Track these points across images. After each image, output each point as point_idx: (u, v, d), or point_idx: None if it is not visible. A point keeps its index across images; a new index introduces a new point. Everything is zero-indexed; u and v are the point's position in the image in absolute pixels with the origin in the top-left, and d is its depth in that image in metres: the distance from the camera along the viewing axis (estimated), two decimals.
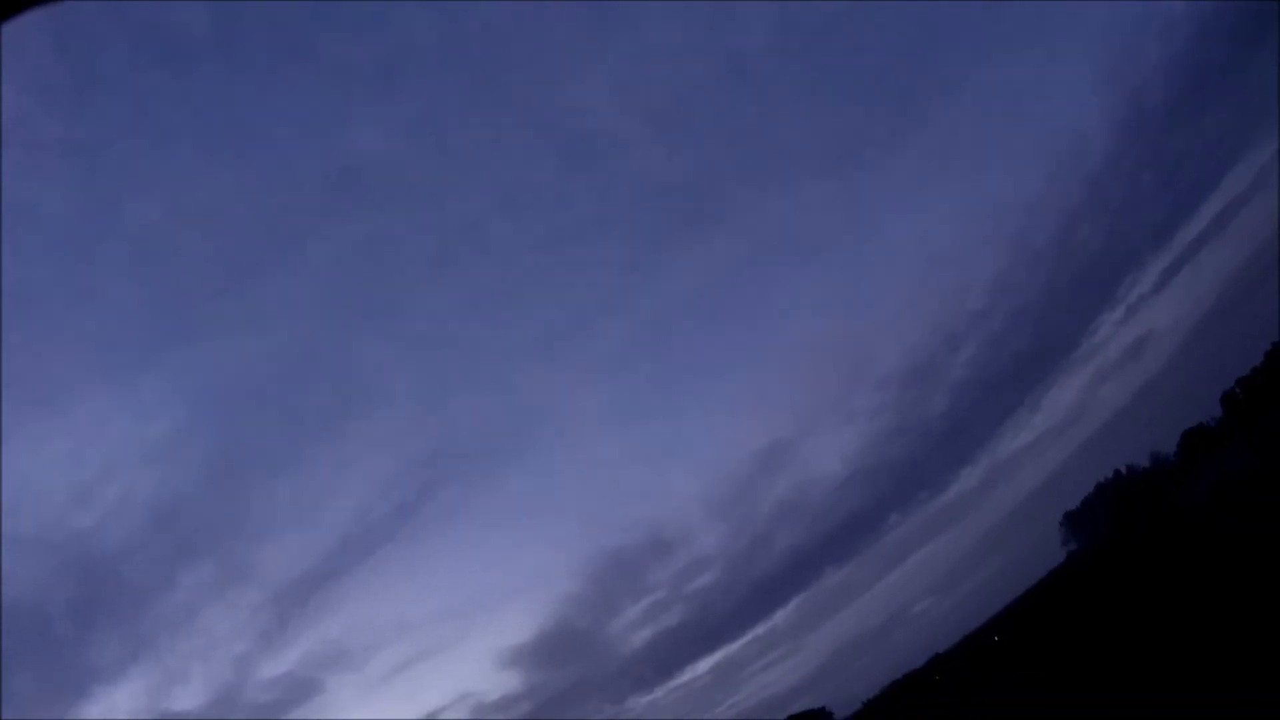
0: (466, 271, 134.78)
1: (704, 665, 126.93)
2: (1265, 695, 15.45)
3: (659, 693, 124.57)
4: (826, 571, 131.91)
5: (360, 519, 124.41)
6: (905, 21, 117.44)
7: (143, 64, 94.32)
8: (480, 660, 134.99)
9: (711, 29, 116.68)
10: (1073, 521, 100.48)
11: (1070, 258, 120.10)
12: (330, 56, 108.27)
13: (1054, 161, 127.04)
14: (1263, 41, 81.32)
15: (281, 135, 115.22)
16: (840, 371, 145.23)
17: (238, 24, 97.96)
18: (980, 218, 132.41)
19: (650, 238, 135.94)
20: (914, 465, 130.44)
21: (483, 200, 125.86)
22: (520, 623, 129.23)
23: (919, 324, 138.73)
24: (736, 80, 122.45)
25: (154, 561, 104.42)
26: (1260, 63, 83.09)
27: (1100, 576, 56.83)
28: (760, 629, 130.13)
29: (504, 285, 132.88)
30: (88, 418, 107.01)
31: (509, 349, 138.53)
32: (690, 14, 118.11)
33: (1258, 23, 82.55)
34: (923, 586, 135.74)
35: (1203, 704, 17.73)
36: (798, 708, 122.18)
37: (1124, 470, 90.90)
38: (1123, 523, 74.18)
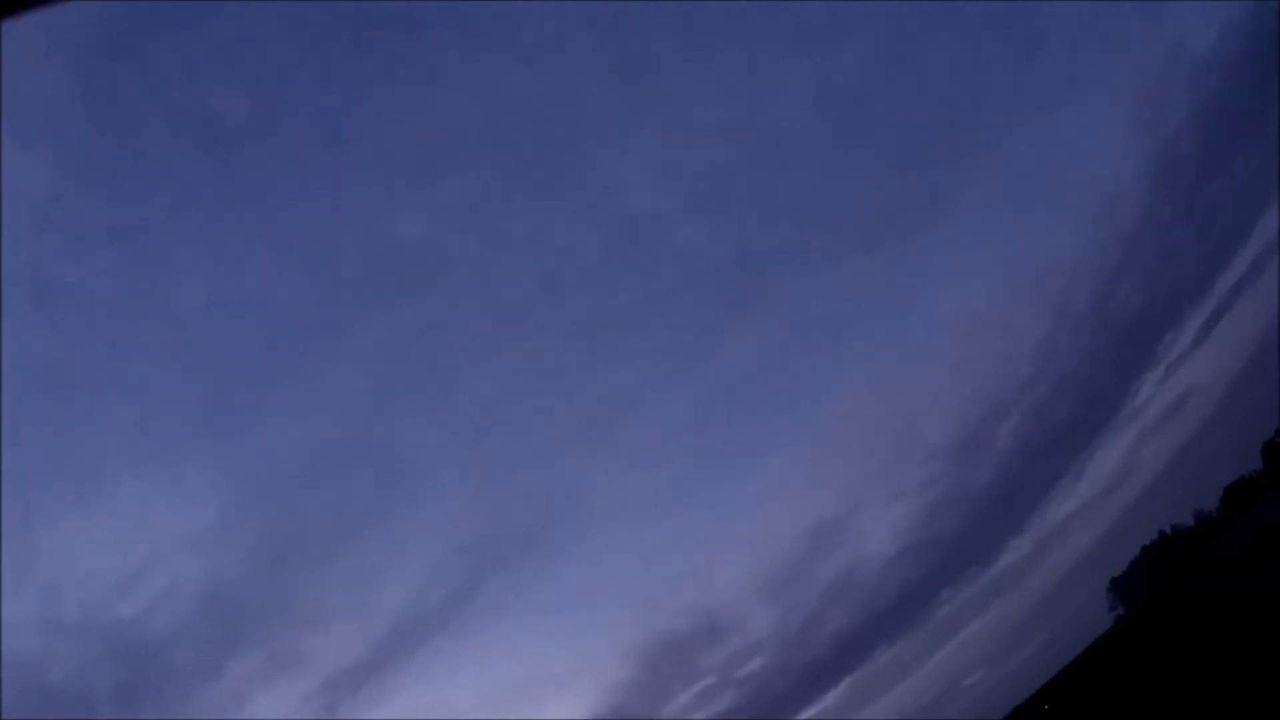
0: (511, 355, 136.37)
1: None
2: None
3: None
4: (878, 650, 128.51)
5: (410, 607, 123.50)
6: (939, 84, 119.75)
7: (183, 149, 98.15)
8: None
9: (749, 104, 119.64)
10: (1118, 587, 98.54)
11: (1110, 319, 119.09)
12: (370, 141, 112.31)
13: (1090, 219, 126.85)
14: None
15: (324, 220, 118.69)
16: (887, 447, 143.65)
17: (277, 109, 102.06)
18: (1021, 282, 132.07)
19: (694, 318, 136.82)
20: (962, 539, 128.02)
21: (526, 283, 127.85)
22: (572, 710, 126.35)
23: (964, 394, 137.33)
24: (775, 155, 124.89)
25: (201, 649, 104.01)
26: None
27: (1142, 638, 55.49)
28: (812, 711, 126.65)
29: (550, 369, 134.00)
30: (132, 505, 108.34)
31: (556, 433, 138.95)
32: (728, 90, 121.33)
33: None
34: (973, 660, 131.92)
35: None
36: None
37: (1168, 530, 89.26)
38: (1163, 583, 72.41)
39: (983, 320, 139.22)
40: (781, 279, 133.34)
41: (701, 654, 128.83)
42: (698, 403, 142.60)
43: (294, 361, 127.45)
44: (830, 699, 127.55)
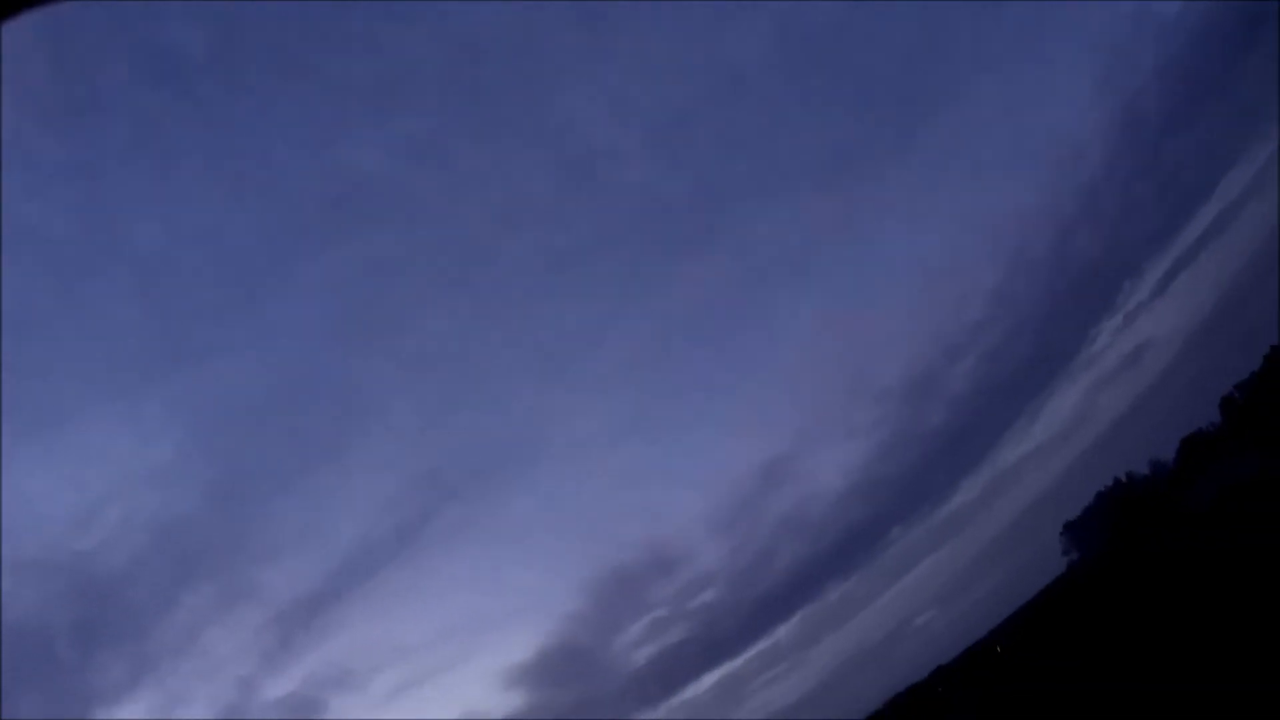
0: (467, 290, 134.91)
1: (707, 682, 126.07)
2: (1266, 700, 15.25)
3: (662, 710, 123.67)
4: (829, 586, 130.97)
5: (362, 539, 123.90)
6: (901, 31, 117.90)
7: (141, 84, 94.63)
8: (483, 680, 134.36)
9: (708, 42, 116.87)
10: (1073, 531, 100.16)
11: (1068, 267, 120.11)
12: (328, 75, 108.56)
13: (1050, 170, 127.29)
14: (1259, 43, 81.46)
15: (280, 154, 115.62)
16: (840, 385, 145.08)
17: (235, 43, 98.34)
18: (978, 228, 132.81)
19: (649, 255, 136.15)
20: (915, 478, 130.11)
21: (482, 219, 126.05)
22: (523, 641, 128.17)
23: (918, 336, 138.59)
24: (733, 94, 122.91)
25: (157, 583, 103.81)
26: (1256, 65, 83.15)
27: (1101, 586, 56.63)
28: (763, 644, 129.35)
29: (503, 304, 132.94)
30: (89, 440, 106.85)
31: (508, 368, 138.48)
32: (686, 28, 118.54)
33: (1254, 24, 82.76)
34: (925, 599, 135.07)
35: (1206, 710, 17.53)
36: None
37: (1124, 478, 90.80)
38: (1122, 531, 73.99)
39: (939, 264, 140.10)
40: (738, 217, 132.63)
41: (653, 586, 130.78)
42: (652, 338, 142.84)
43: (250, 296, 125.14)
44: (782, 632, 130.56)
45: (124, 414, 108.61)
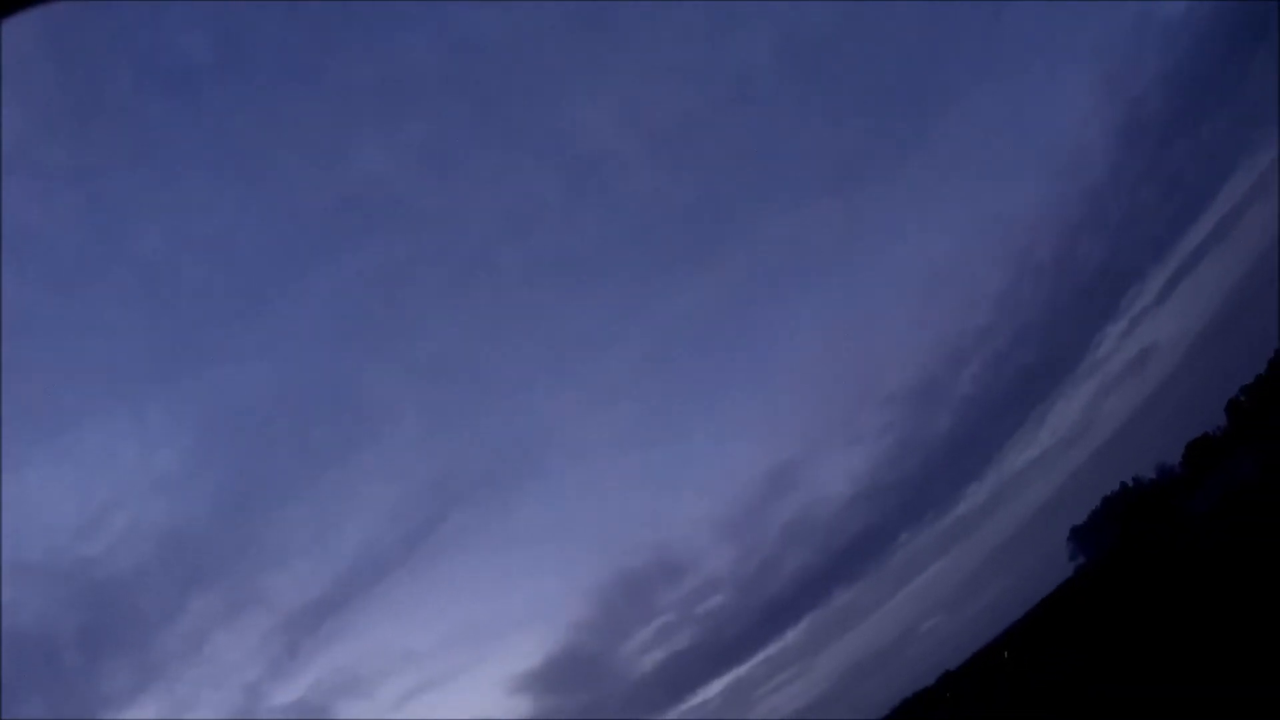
0: (472, 297, 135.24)
1: (715, 687, 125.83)
2: (1272, 702, 15.39)
3: (670, 715, 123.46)
4: (836, 591, 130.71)
5: (370, 546, 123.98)
6: (906, 36, 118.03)
7: (146, 90, 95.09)
8: (491, 686, 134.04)
9: (713, 49, 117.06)
10: (1080, 536, 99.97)
11: (1073, 272, 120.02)
12: (333, 80, 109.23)
13: (1055, 174, 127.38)
14: (1261, 46, 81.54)
15: (286, 162, 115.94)
16: (846, 391, 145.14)
17: (240, 49, 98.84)
18: (983, 233, 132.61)
19: (655, 261, 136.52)
20: (921, 483, 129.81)
21: (488, 225, 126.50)
22: (530, 648, 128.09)
23: (924, 342, 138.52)
24: (738, 100, 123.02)
25: (163, 589, 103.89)
26: (1258, 68, 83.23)
27: (1108, 590, 56.62)
28: (771, 650, 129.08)
29: (510, 311, 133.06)
30: (94, 446, 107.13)
31: (516, 374, 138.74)
32: (691, 34, 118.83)
33: (1256, 27, 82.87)
34: (932, 604, 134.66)
35: (1212, 712, 17.65)
36: None
37: (1130, 483, 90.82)
38: (1129, 536, 73.97)
39: (944, 269, 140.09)
40: (743, 223, 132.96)
41: (660, 592, 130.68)
42: (658, 344, 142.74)
43: (256, 303, 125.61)
44: (790, 637, 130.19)
45: (129, 420, 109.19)
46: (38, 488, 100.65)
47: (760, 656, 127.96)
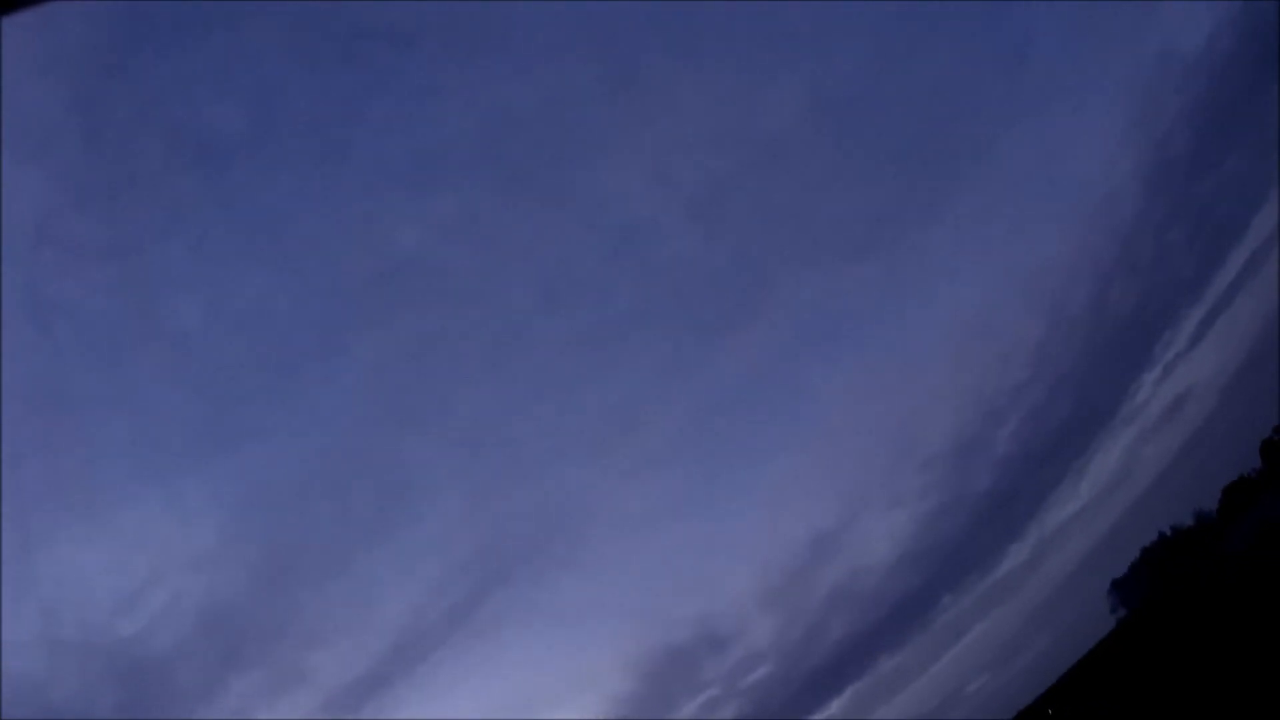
0: (510, 368, 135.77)
1: None
2: None
3: None
4: (880, 657, 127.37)
5: (412, 622, 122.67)
6: (932, 91, 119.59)
7: (177, 164, 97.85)
8: None
9: (742, 112, 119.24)
10: (1120, 588, 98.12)
11: (1106, 320, 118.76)
12: (365, 154, 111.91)
13: (1084, 221, 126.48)
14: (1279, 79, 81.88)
15: (319, 234, 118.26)
16: (885, 454, 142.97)
17: (271, 123, 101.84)
18: (1016, 285, 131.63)
19: (691, 328, 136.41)
20: (963, 545, 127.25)
21: (524, 296, 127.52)
22: None
23: (961, 400, 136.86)
24: (768, 162, 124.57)
25: (203, 667, 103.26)
26: (1277, 101, 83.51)
27: (1144, 639, 55.49)
28: (817, 719, 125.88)
29: (548, 382, 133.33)
30: (131, 523, 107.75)
31: (555, 446, 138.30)
32: (720, 97, 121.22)
33: (1275, 61, 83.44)
34: (976, 665, 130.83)
35: None
36: None
37: (1168, 532, 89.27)
38: (1165, 583, 72.48)
39: (979, 324, 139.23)
40: (777, 286, 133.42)
41: (705, 664, 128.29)
42: (696, 412, 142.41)
43: (292, 377, 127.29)
44: (834, 707, 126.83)
45: (166, 496, 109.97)
46: (73, 564, 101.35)
47: None
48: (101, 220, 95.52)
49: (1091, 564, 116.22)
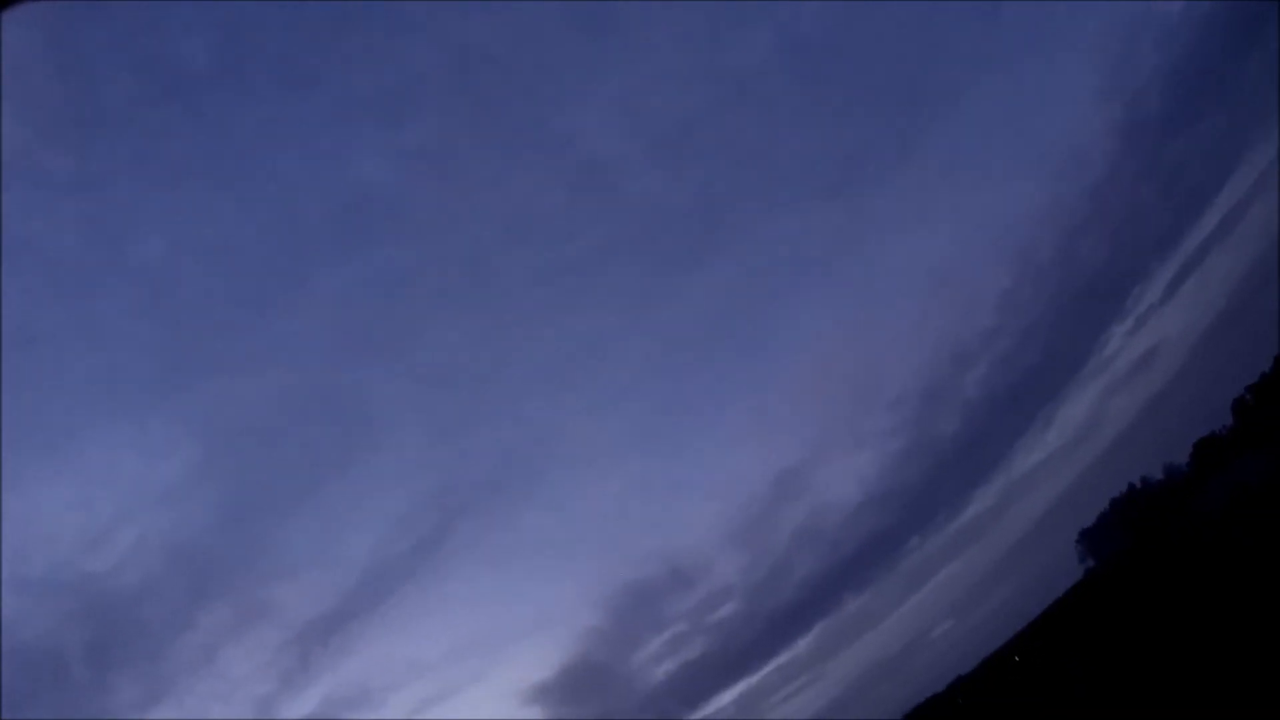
0: (474, 303, 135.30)
1: (728, 697, 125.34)
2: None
3: None
4: (846, 598, 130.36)
5: (377, 557, 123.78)
6: (906, 35, 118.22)
7: (145, 98, 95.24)
8: (502, 697, 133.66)
9: (710, 51, 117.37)
10: (1089, 538, 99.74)
11: (1077, 271, 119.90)
12: (332, 86, 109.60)
13: (1056, 173, 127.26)
14: (1260, 42, 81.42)
15: (286, 167, 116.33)
16: (852, 394, 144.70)
17: (240, 56, 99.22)
18: (985, 233, 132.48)
19: (656, 265, 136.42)
20: (929, 487, 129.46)
21: (489, 231, 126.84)
22: (541, 658, 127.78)
23: (929, 344, 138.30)
24: (737, 102, 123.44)
25: (171, 603, 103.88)
26: (1258, 64, 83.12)
27: (1117, 591, 56.37)
28: (783, 658, 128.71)
29: (512, 316, 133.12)
30: (97, 459, 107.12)
31: (519, 381, 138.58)
32: (689, 36, 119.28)
33: (1255, 23, 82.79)
34: (942, 609, 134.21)
35: (1222, 711, 17.58)
36: None
37: (1138, 484, 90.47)
38: (1137, 537, 73.66)
39: (947, 270, 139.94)
40: (743, 225, 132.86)
41: (671, 601, 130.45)
42: (660, 349, 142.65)
43: (258, 311, 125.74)
44: (801, 645, 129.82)
45: (132, 432, 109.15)
46: (41, 502, 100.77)
47: (772, 665, 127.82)
48: (70, 154, 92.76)
49: (1059, 513, 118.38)
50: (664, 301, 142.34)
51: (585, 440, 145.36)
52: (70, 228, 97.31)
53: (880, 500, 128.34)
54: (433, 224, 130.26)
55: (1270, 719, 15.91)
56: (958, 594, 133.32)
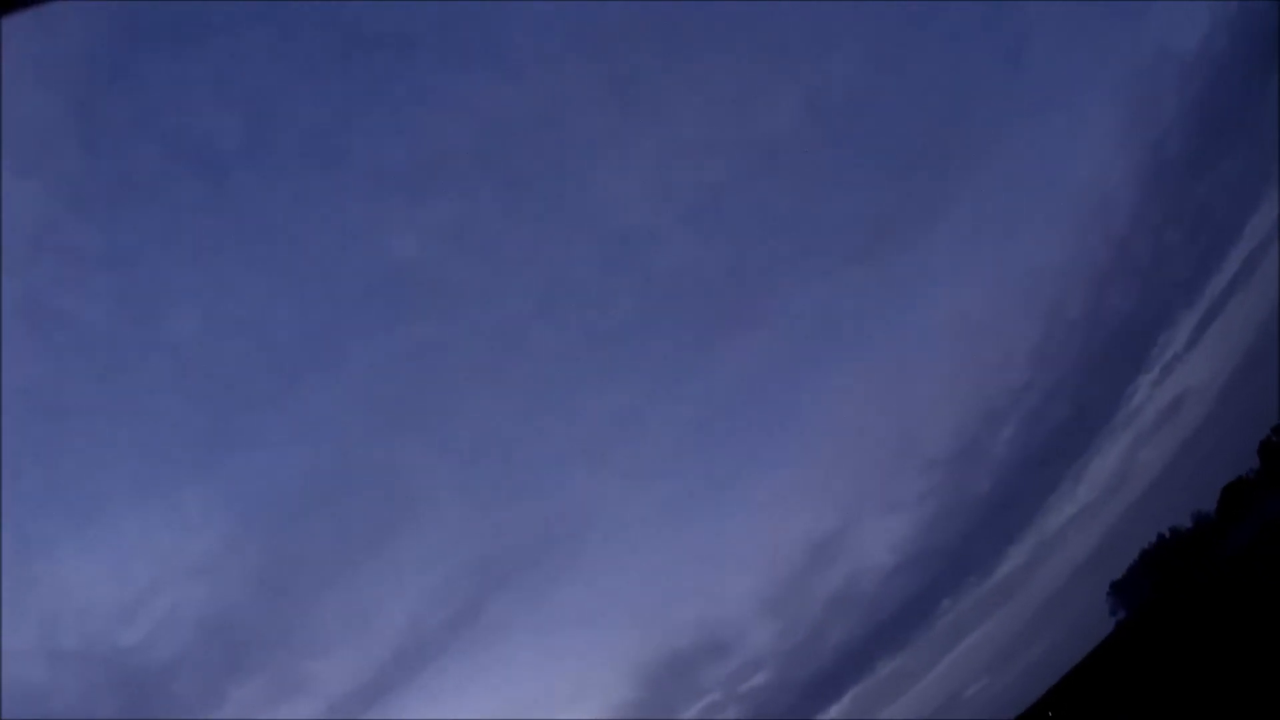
0: (508, 376, 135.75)
1: None
2: None
3: None
4: (880, 661, 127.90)
5: (413, 630, 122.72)
6: (929, 92, 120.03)
7: (175, 173, 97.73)
8: None
9: (738, 118, 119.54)
10: (1119, 591, 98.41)
11: (1103, 323, 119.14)
12: (363, 162, 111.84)
13: (1081, 223, 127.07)
14: (1275, 79, 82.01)
15: (318, 243, 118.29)
16: (885, 458, 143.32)
17: (269, 131, 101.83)
18: (1014, 288, 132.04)
19: (690, 334, 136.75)
20: (962, 548, 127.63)
21: (522, 303, 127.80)
22: None
23: (960, 404, 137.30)
24: (766, 168, 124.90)
25: (203, 676, 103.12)
26: (1274, 101, 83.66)
27: (1144, 641, 55.47)
28: None
29: (547, 389, 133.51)
30: (131, 532, 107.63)
31: (554, 453, 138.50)
32: (716, 104, 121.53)
33: (1272, 55, 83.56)
34: (975, 668, 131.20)
35: None
36: None
37: (1167, 534, 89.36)
38: (1164, 585, 72.42)
39: (977, 328, 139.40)
40: (775, 292, 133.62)
41: (705, 670, 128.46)
42: (695, 419, 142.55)
43: (291, 385, 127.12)
44: (834, 711, 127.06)
45: (166, 505, 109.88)
46: (73, 574, 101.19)
47: None
48: (100, 229, 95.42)
49: (1090, 567, 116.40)
50: (697, 372, 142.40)
51: (621, 513, 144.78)
52: (102, 302, 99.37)
53: (913, 563, 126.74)
54: (464, 297, 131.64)
55: None
56: (991, 652, 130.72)
